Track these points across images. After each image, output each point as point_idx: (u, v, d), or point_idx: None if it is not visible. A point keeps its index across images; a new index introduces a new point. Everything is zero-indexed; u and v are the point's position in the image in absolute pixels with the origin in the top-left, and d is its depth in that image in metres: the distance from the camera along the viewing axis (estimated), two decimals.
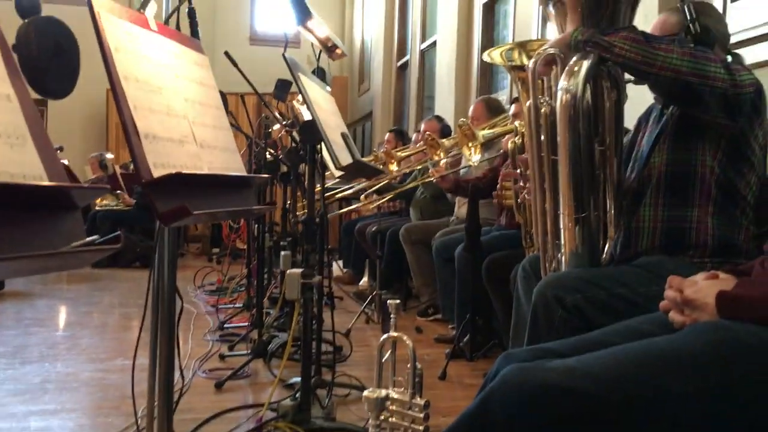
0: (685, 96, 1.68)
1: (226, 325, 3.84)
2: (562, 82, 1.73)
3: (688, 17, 1.88)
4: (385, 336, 1.43)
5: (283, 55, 1.93)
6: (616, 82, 1.86)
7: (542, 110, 1.86)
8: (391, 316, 1.48)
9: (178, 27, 1.76)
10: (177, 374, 2.67)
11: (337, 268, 5.92)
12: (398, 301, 1.46)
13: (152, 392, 1.62)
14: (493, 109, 3.94)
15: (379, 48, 8.62)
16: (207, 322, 4.03)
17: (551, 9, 1.91)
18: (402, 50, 8.18)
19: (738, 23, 2.58)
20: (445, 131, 4.65)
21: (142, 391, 1.83)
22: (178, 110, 1.39)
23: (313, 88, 2.07)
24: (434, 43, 6.74)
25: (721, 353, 1.01)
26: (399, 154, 4.63)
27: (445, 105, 6.12)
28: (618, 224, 1.94)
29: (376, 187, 4.66)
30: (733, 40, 2.65)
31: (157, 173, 1.21)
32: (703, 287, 1.16)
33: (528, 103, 1.89)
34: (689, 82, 1.63)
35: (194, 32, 1.75)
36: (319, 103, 2.06)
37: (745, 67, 1.84)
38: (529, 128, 1.91)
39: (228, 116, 3.87)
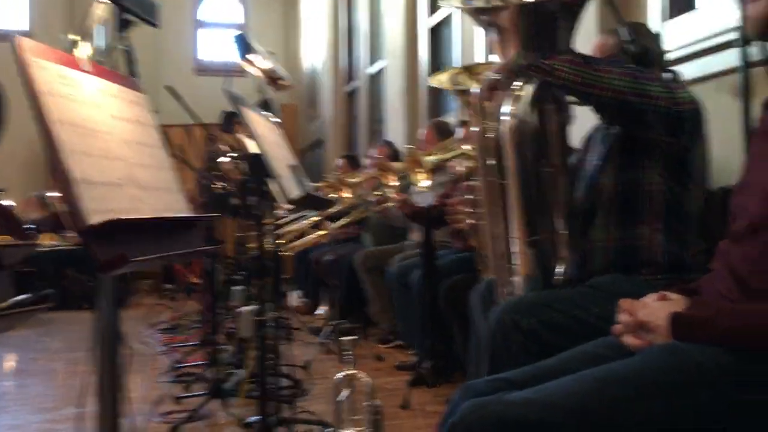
0: (627, 116, 1.70)
1: (180, 365, 3.73)
2: (508, 107, 1.74)
3: (626, 38, 1.91)
4: (341, 374, 1.40)
5: (225, 89, 1.90)
6: (560, 104, 1.88)
7: (489, 135, 1.86)
8: (348, 353, 1.46)
9: (114, 65, 1.72)
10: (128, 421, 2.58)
11: (293, 298, 5.85)
12: (355, 337, 1.43)
13: None
14: (444, 133, 3.96)
15: (327, 74, 8.64)
16: (160, 363, 3.91)
17: (493, 34, 1.92)
18: (350, 76, 8.20)
19: (674, 40, 2.64)
20: (395, 156, 4.65)
21: None
22: (115, 152, 1.34)
23: (257, 121, 2.04)
24: (382, 68, 6.78)
25: (679, 378, 1.00)
26: (351, 180, 4.60)
27: (395, 129, 6.14)
28: (570, 245, 1.95)
29: (329, 214, 4.62)
30: (669, 57, 2.72)
31: (94, 219, 1.16)
32: (655, 309, 1.16)
33: (475, 129, 1.89)
34: (630, 102, 1.65)
35: (132, 71, 1.70)
36: (265, 135, 2.03)
37: (683, 84, 1.88)
38: (478, 153, 1.91)
39: (174, 149, 3.82)
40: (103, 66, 1.48)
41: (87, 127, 1.27)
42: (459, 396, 1.23)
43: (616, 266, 1.82)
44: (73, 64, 1.33)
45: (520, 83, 1.74)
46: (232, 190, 3.53)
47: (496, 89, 1.83)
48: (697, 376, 0.99)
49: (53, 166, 1.13)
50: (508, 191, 1.80)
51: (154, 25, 1.45)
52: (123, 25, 1.59)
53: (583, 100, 1.75)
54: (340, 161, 5.72)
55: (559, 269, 1.95)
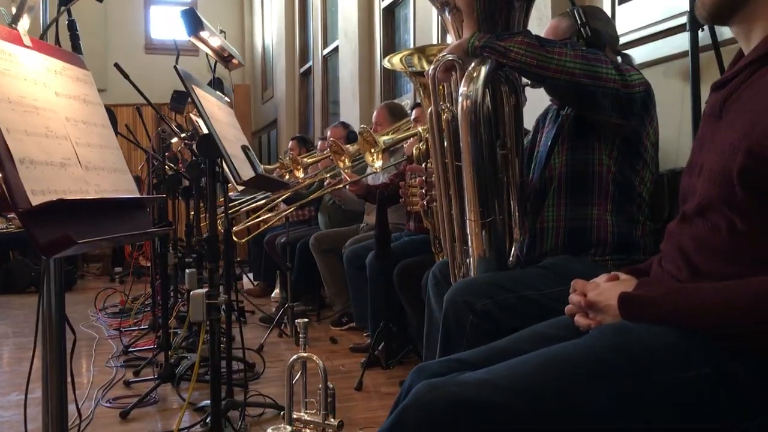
0: (578, 97, 1.71)
1: (130, 350, 3.67)
2: (462, 88, 1.73)
3: (579, 21, 1.93)
4: (294, 357, 1.39)
5: (175, 66, 1.85)
6: (513, 86, 1.88)
7: (444, 116, 1.85)
8: (301, 336, 1.44)
9: (57, 41, 1.66)
10: (74, 407, 2.54)
11: (247, 281, 5.79)
12: (306, 320, 1.42)
13: (47, 430, 1.50)
14: (396, 114, 3.95)
15: (281, 54, 8.52)
16: (110, 347, 3.84)
17: (447, 15, 1.91)
18: (304, 56, 8.10)
19: (626, 24, 2.67)
20: (350, 137, 4.62)
21: (38, 427, 1.71)
22: (58, 131, 1.29)
23: (209, 100, 1.99)
24: (336, 49, 6.71)
25: (626, 357, 1.01)
26: (305, 160, 4.56)
27: (349, 111, 6.10)
28: (523, 226, 1.97)
29: (284, 196, 4.58)
30: (623, 40, 2.75)
31: (36, 201, 1.12)
32: (605, 289, 1.17)
33: (429, 110, 1.89)
34: (582, 84, 1.66)
35: (75, 46, 1.65)
36: (216, 115, 1.99)
37: (634, 67, 1.90)
38: (432, 135, 1.90)
39: (124, 130, 3.72)
40: (45, 42, 1.42)
41: (28, 105, 1.22)
42: (412, 377, 1.23)
43: (567, 247, 1.85)
44: (14, 38, 1.27)
45: (475, 64, 1.74)
46: (183, 171, 3.46)
47: (451, 70, 1.82)
48: (644, 355, 1.01)
49: None
50: (461, 173, 1.80)
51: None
52: None
53: (537, 82, 1.75)
54: (291, 143, 5.67)
55: (512, 250, 1.97)
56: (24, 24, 1.32)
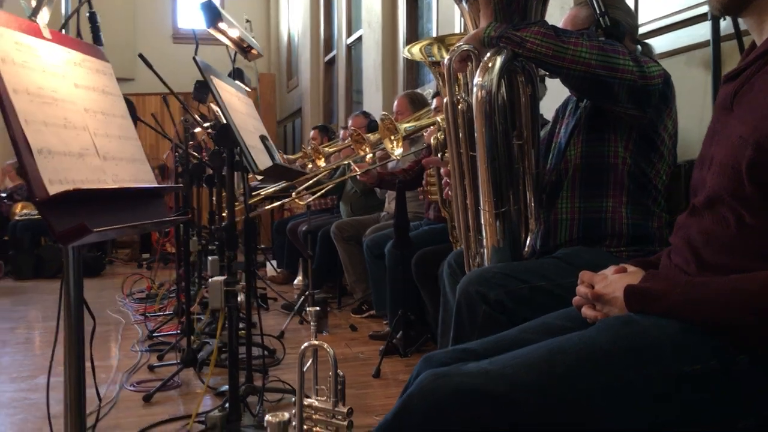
0: (595, 89, 1.70)
1: (155, 334, 3.74)
2: (477, 79, 1.73)
3: (598, 11, 1.91)
4: (305, 344, 1.41)
5: (194, 57, 1.87)
6: (530, 76, 1.88)
7: (459, 107, 1.86)
8: (312, 324, 1.46)
9: (79, 33, 1.69)
10: (102, 390, 2.59)
11: (270, 268, 5.85)
12: (318, 308, 1.44)
13: (67, 412, 1.55)
14: (417, 103, 3.95)
15: (306, 43, 8.54)
16: (136, 332, 3.92)
17: (464, 5, 1.91)
18: (329, 45, 8.12)
19: (648, 13, 2.64)
20: (371, 126, 4.63)
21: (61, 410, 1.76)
22: (76, 122, 1.32)
23: (227, 90, 2.02)
24: (360, 38, 6.71)
25: (629, 348, 1.02)
26: (327, 149, 4.59)
27: (372, 100, 6.11)
28: (539, 217, 1.96)
29: (306, 184, 4.61)
30: (644, 29, 2.72)
31: (53, 190, 1.15)
32: (612, 281, 1.17)
33: (445, 100, 1.89)
34: (599, 75, 1.65)
35: (96, 38, 1.68)
36: (235, 106, 2.01)
37: (653, 58, 1.88)
38: (448, 125, 1.90)
39: (151, 119, 3.76)
40: (66, 34, 1.45)
41: (46, 96, 1.25)
42: (420, 366, 1.24)
43: (581, 239, 1.84)
44: (34, 31, 1.30)
45: (491, 55, 1.73)
46: (206, 160, 3.51)
47: (467, 60, 1.82)
48: (649, 348, 1.01)
49: (10, 136, 1.11)
50: (476, 163, 1.80)
51: None
52: None
53: (553, 72, 1.75)
54: (312, 132, 5.70)
55: (528, 240, 1.97)
56: (44, 16, 1.35)
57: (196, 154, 3.87)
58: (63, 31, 1.53)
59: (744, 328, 0.98)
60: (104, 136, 1.41)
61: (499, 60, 1.73)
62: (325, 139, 5.40)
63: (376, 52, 6.01)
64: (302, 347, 1.40)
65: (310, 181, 4.42)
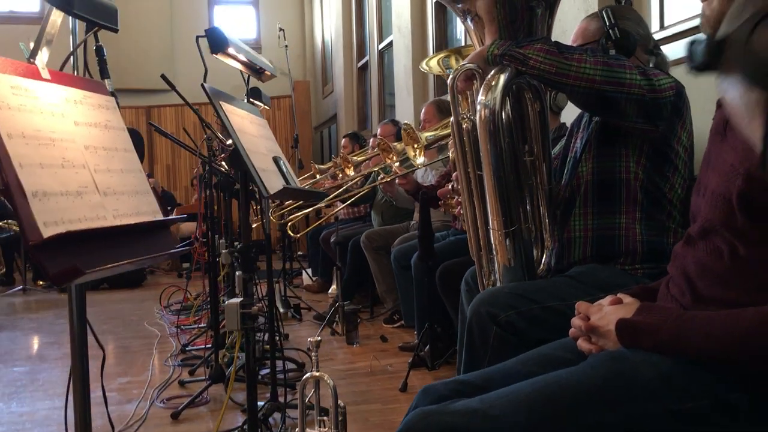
0: (601, 104, 1.67)
1: (188, 348, 3.79)
2: (480, 97, 1.71)
3: (608, 23, 1.87)
4: (306, 376, 1.41)
5: (202, 84, 1.89)
6: (537, 92, 1.85)
7: (464, 126, 1.84)
8: (312, 354, 1.46)
9: (86, 66, 1.72)
10: (133, 407, 2.63)
11: (306, 276, 5.89)
12: (319, 339, 1.44)
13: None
14: (444, 111, 3.92)
15: (339, 49, 8.58)
16: (171, 345, 3.98)
17: (470, 23, 1.89)
18: (361, 51, 8.14)
19: (674, 16, 2.57)
20: (400, 135, 4.63)
21: (99, 426, 1.80)
22: (75, 160, 1.34)
23: (238, 114, 2.03)
24: (391, 43, 6.71)
25: (618, 386, 0.99)
26: (355, 158, 4.60)
27: (404, 106, 6.10)
28: (553, 234, 1.93)
29: (335, 193, 4.62)
30: (669, 32, 2.66)
31: (48, 232, 1.17)
32: (607, 313, 1.14)
33: (451, 120, 1.87)
34: (604, 91, 1.62)
35: (103, 70, 1.71)
36: (246, 129, 2.03)
37: (665, 70, 1.84)
38: (455, 144, 1.89)
39: (184, 132, 3.81)
40: (66, 72, 1.48)
41: (43, 138, 1.27)
42: (418, 399, 1.23)
43: (595, 257, 1.80)
44: (32, 73, 1.33)
45: (494, 73, 1.71)
46: (233, 176, 3.54)
47: (471, 79, 1.81)
48: (636, 385, 0.98)
49: (3, 181, 1.14)
50: (483, 182, 1.78)
51: (114, 30, 1.44)
52: (91, 25, 1.59)
53: (558, 90, 1.72)
54: (343, 140, 5.72)
55: (543, 258, 1.94)
56: (43, 57, 1.37)
57: (225, 168, 3.90)
58: (68, 66, 1.56)
59: (733, 362, 0.95)
60: (105, 171, 1.43)
61: (502, 78, 1.70)
62: (356, 147, 5.41)
63: (407, 57, 5.99)
64: (303, 378, 1.40)
65: (338, 191, 4.44)
